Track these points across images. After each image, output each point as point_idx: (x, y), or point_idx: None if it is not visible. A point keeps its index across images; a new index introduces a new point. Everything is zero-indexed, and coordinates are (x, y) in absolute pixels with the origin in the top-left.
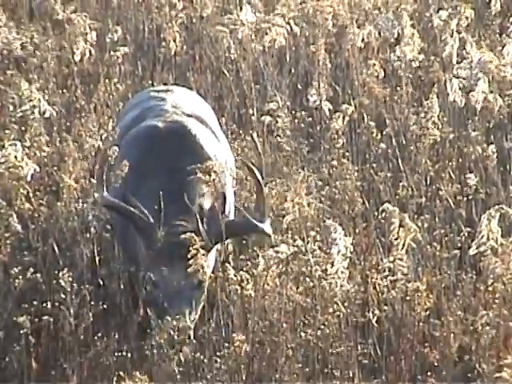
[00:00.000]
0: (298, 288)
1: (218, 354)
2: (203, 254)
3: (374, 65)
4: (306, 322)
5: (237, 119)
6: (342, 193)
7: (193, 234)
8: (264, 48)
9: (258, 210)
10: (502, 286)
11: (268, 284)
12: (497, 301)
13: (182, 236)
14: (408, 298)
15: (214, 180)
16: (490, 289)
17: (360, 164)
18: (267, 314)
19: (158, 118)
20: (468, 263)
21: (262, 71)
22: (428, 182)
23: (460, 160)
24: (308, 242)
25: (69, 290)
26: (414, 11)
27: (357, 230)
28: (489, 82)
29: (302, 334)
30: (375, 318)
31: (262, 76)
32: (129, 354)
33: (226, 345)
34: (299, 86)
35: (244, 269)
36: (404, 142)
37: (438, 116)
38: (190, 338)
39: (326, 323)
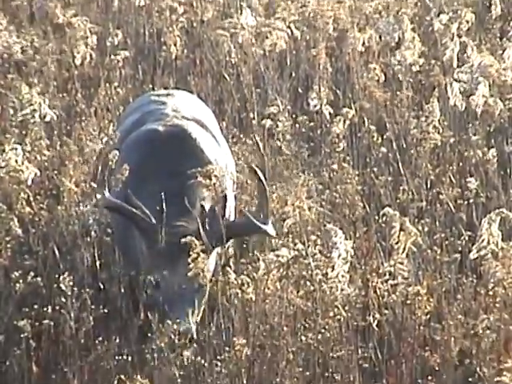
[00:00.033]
0: (298, 292)
1: (218, 357)
2: (204, 258)
3: (375, 69)
4: (307, 325)
5: (237, 123)
6: (343, 197)
7: (193, 238)
8: (264, 52)
9: (260, 212)
10: (503, 290)
11: (269, 288)
12: (497, 305)
13: (183, 240)
14: (408, 301)
15: (214, 184)
16: (491, 293)
17: (361, 168)
18: (268, 318)
19: (158, 121)
20: (468, 267)
21: (262, 75)
22: (428, 186)
23: (460, 164)
24: (309, 246)
25: (69, 293)
26: (415, 15)
27: (357, 234)
28: (489, 85)
29: (303, 338)
30: (376, 321)
31: (262, 80)
32: (129, 358)
33: (227, 348)
34: (300, 90)
35: (245, 272)
36: (404, 145)
37: (439, 120)
38: (193, 338)
39: (327, 327)
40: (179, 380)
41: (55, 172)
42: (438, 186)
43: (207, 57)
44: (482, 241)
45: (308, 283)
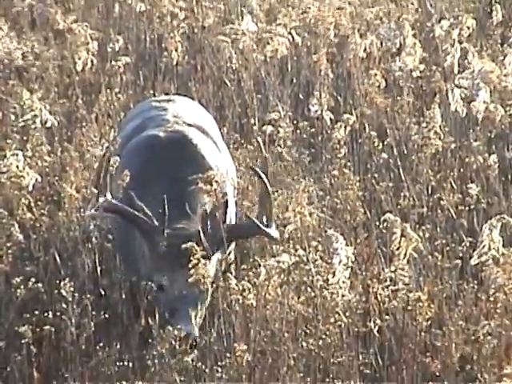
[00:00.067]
0: (299, 298)
1: (219, 363)
2: (204, 264)
3: (376, 75)
4: (308, 331)
5: (238, 129)
6: (344, 203)
7: (194, 244)
8: (265, 58)
9: (263, 214)
10: (504, 296)
11: (269, 294)
12: (498, 311)
13: (183, 246)
14: (409, 307)
15: (215, 190)
16: (492, 299)
17: (361, 174)
18: (269, 324)
19: (159, 127)
20: (469, 273)
21: (263, 81)
22: (429, 192)
23: (461, 170)
24: (309, 252)
25: (70, 299)
26: (416, 21)
27: (358, 240)
28: (490, 91)
29: (304, 344)
30: (377, 327)
31: (263, 86)
32: (130, 364)
33: (228, 354)
34: (301, 96)
35: (245, 278)
36: (405, 151)
37: (440, 126)
38: (195, 342)
39: (328, 333)
40: None
41: (56, 178)
42: (438, 191)
43: (208, 63)
44: (483, 247)
45: (309, 289)
